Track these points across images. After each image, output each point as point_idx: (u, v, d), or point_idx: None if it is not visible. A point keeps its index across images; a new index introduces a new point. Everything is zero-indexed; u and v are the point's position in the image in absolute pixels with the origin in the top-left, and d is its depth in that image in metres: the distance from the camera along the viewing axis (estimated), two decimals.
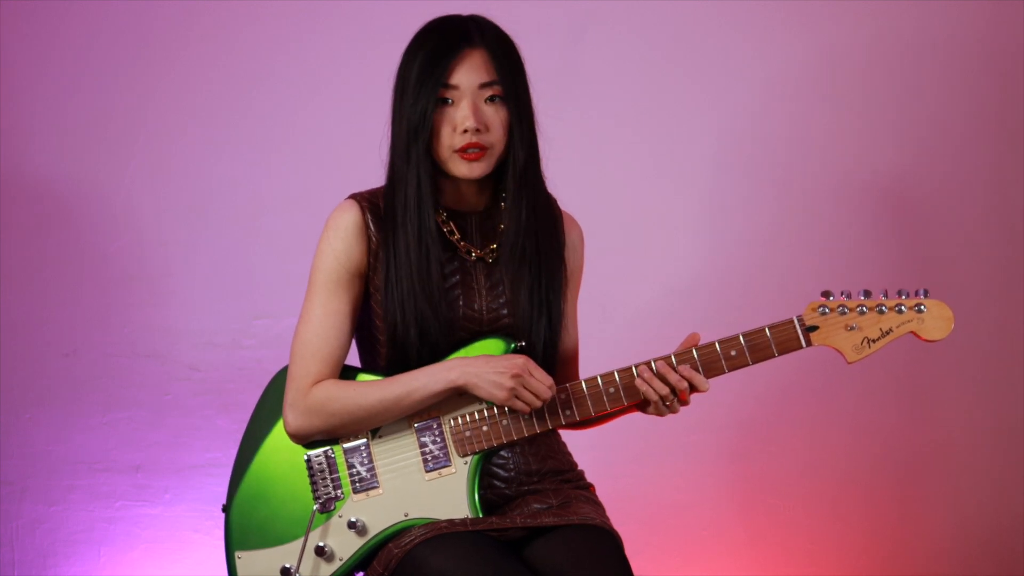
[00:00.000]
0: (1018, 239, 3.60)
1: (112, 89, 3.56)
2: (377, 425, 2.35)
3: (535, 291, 2.39)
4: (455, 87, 2.31)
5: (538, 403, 2.29)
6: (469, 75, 2.32)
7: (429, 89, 2.30)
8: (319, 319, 2.35)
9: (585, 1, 3.59)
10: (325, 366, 2.34)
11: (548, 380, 2.29)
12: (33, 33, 3.54)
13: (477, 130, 2.31)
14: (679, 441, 3.58)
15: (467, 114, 2.30)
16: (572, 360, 2.54)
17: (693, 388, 2.32)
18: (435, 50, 2.32)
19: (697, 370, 2.31)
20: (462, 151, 2.32)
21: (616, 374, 2.33)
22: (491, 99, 2.33)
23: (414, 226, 2.33)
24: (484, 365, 2.28)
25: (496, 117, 2.33)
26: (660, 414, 2.35)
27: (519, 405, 2.28)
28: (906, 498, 3.65)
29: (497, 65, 2.33)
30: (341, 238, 2.36)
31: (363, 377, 2.38)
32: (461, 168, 2.33)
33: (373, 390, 2.32)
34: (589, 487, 2.49)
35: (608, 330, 3.51)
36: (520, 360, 2.28)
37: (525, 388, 2.28)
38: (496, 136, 2.33)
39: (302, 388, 2.34)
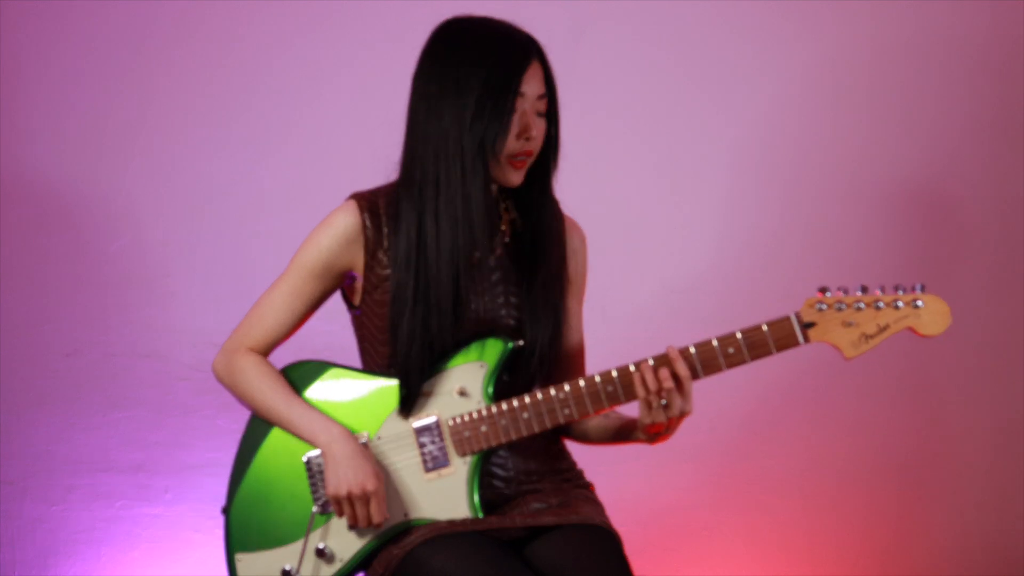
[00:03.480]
0: (1018, 238, 3.60)
1: (112, 89, 3.56)
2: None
3: (541, 295, 2.40)
4: (523, 95, 2.32)
5: (352, 523, 2.31)
6: (533, 85, 2.33)
7: (508, 93, 2.30)
8: (282, 296, 2.41)
9: (587, 1, 3.59)
10: (264, 339, 2.42)
11: (377, 519, 2.30)
12: (34, 33, 3.54)
13: (533, 139, 2.34)
14: (679, 441, 3.53)
15: (532, 122, 2.33)
16: (577, 357, 2.54)
17: (679, 385, 2.31)
18: (510, 55, 2.32)
19: (694, 368, 2.31)
20: (515, 157, 2.33)
21: (614, 372, 2.33)
22: (539, 112, 2.35)
23: (467, 226, 2.31)
24: (350, 459, 2.30)
25: (542, 128, 2.35)
26: (650, 421, 2.34)
27: (337, 510, 2.32)
28: (906, 498, 3.65)
29: (547, 79, 2.36)
30: (331, 236, 2.39)
31: (319, 371, 2.41)
32: (511, 175, 2.35)
33: (271, 395, 2.37)
34: (589, 486, 2.49)
35: (608, 330, 3.50)
36: (372, 487, 2.29)
37: (351, 507, 2.30)
38: (539, 146, 2.36)
39: (239, 345, 2.42)
